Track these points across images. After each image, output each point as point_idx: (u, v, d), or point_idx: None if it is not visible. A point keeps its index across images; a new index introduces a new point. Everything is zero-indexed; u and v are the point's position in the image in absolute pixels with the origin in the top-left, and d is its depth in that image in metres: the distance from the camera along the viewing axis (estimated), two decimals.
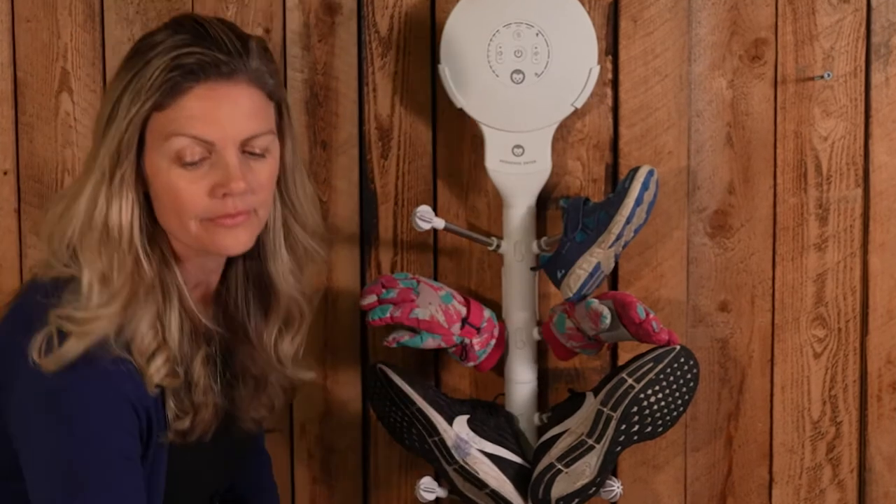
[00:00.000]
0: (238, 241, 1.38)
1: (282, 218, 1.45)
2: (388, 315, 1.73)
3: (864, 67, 1.87)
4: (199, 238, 1.37)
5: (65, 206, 1.37)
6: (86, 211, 1.34)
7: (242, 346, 1.48)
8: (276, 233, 1.46)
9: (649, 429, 1.70)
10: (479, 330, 1.78)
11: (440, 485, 1.82)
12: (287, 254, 1.46)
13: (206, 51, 1.34)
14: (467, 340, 1.77)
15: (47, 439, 1.31)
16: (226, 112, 1.34)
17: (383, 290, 1.75)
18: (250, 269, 1.47)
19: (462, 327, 1.77)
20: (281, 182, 1.44)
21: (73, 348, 1.30)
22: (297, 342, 1.51)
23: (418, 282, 1.77)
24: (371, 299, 1.74)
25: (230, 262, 1.47)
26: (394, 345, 1.77)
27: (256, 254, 1.45)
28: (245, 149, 1.37)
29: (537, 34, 1.75)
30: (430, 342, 1.76)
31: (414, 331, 1.76)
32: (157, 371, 1.35)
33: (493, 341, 1.80)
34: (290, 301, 1.48)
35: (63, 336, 1.31)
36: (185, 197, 1.35)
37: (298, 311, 1.50)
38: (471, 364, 1.81)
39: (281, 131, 1.43)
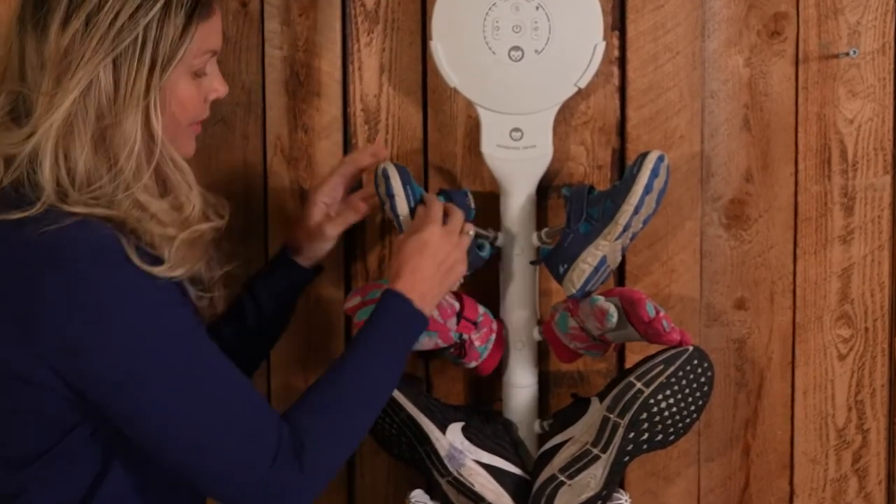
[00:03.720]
0: (195, 146, 1.54)
1: None
2: None
3: (892, 44, 1.85)
4: (179, 143, 1.48)
5: (93, 141, 1.38)
6: (141, 131, 1.40)
7: None
8: None
9: (660, 437, 1.67)
10: (476, 325, 1.75)
11: (432, 498, 1.79)
12: None
13: None
14: (466, 336, 1.75)
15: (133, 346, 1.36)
16: (221, 25, 1.51)
17: (368, 292, 1.73)
18: None
19: (458, 322, 1.74)
20: None
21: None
22: None
23: None
24: (355, 301, 1.73)
25: None
26: None
27: None
28: None
29: (537, 8, 1.72)
30: (426, 342, 1.72)
31: None
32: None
33: (493, 336, 1.78)
34: None
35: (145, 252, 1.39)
36: (190, 105, 1.47)
37: None
38: (472, 364, 1.78)
39: None
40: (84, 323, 1.33)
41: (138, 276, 1.35)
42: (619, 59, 1.84)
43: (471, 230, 1.69)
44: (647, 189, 1.66)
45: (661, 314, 1.64)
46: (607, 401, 1.66)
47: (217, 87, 1.51)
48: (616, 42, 1.84)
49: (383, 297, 1.54)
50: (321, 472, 1.43)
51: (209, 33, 1.45)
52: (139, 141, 1.38)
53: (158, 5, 1.38)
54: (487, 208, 1.82)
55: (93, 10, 1.36)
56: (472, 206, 1.75)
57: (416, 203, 1.70)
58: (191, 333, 1.39)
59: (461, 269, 1.63)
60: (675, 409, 1.65)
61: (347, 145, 1.87)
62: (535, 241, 1.78)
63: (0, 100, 1.40)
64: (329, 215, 1.73)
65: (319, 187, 1.73)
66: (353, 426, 1.47)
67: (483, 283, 1.86)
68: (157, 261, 1.38)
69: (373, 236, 1.89)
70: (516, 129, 1.75)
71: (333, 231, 1.73)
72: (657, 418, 1.65)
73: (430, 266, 1.57)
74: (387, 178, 1.70)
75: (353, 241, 1.88)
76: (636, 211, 1.66)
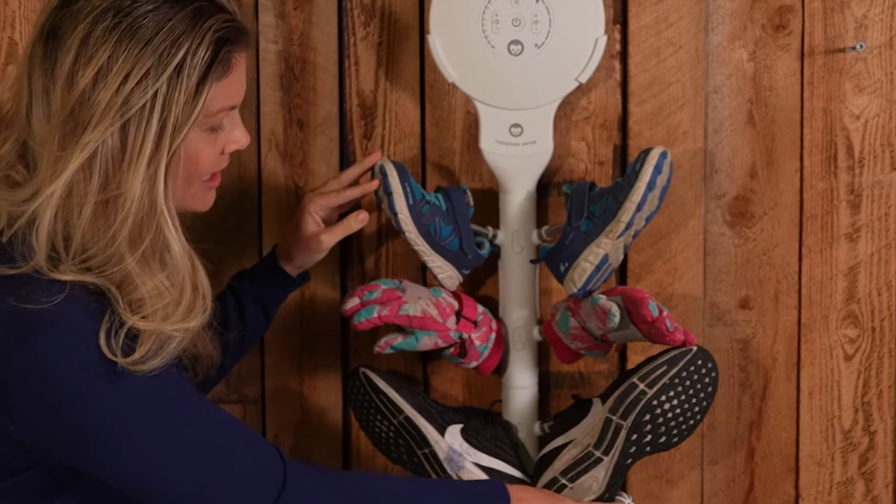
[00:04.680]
0: (213, 198, 1.48)
1: None
2: (375, 315, 1.70)
3: None
4: (193, 199, 1.44)
5: (94, 204, 1.32)
6: (142, 201, 1.33)
7: None
8: None
9: (663, 439, 1.66)
10: (475, 323, 1.74)
11: None
12: None
13: (231, 17, 1.39)
14: (465, 335, 1.74)
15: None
16: (244, 76, 1.45)
17: (366, 293, 1.72)
18: None
19: (458, 321, 1.73)
20: None
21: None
22: None
23: (401, 281, 1.76)
24: (353, 303, 1.72)
25: None
26: (386, 350, 1.74)
27: None
28: None
29: (537, 1, 1.71)
30: (426, 341, 1.72)
31: (406, 331, 1.73)
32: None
33: (493, 335, 1.77)
34: None
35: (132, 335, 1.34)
36: (204, 160, 1.41)
37: None
38: (472, 364, 1.77)
39: None
40: (54, 411, 1.30)
41: (108, 366, 1.31)
42: (621, 53, 1.84)
43: None
44: (650, 186, 1.65)
45: (665, 314, 1.63)
46: (609, 402, 1.66)
47: (238, 137, 1.45)
48: (618, 36, 1.83)
49: (491, 482, 1.59)
50: None
51: (227, 92, 1.39)
52: (141, 211, 1.32)
53: (170, 68, 1.31)
54: (486, 206, 1.81)
55: (101, 68, 1.29)
56: (471, 203, 1.74)
57: (416, 200, 1.68)
58: (176, 398, 1.37)
59: None
60: (678, 411, 1.64)
61: (343, 141, 1.86)
62: (535, 239, 1.77)
63: (7, 146, 1.35)
64: (321, 226, 1.70)
65: (315, 199, 1.71)
66: None
67: (483, 282, 1.86)
68: (130, 349, 1.32)
69: (369, 237, 1.87)
70: (516, 125, 1.74)
71: (330, 240, 1.70)
72: (660, 420, 1.64)
73: None
74: (384, 175, 1.68)
75: (350, 242, 1.87)
76: (639, 208, 1.65)
